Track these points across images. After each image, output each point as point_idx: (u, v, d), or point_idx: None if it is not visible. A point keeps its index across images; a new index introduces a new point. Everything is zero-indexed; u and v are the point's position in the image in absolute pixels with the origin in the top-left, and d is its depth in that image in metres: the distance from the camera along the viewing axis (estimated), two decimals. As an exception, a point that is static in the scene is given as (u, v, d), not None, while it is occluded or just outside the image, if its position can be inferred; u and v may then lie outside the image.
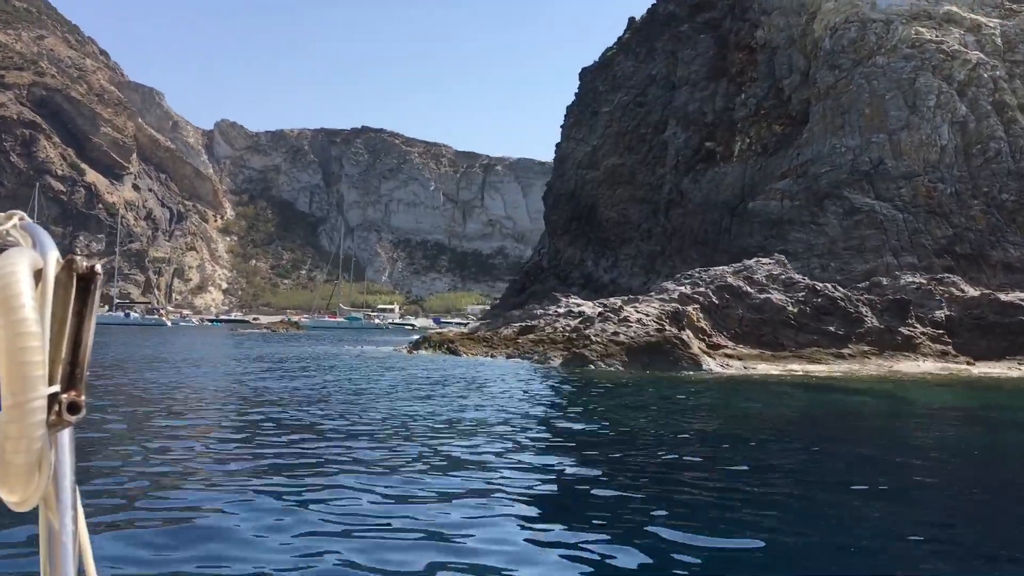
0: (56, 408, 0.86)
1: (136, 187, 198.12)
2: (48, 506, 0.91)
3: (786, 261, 40.60)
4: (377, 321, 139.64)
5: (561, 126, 77.16)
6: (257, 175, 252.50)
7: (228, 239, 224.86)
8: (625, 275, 66.53)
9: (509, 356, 36.76)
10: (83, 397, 0.89)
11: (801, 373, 31.22)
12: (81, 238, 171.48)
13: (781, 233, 46.81)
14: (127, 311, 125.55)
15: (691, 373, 30.55)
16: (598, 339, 34.21)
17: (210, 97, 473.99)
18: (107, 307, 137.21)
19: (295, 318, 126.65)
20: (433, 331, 50.67)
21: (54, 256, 0.90)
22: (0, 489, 0.86)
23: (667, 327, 33.20)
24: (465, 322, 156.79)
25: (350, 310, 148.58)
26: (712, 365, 31.41)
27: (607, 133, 69.78)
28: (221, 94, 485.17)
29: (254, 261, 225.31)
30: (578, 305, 43.70)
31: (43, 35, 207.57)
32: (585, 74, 76.62)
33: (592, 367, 32.31)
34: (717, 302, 37.98)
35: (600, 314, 37.29)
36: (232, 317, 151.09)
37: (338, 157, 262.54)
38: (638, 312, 37.60)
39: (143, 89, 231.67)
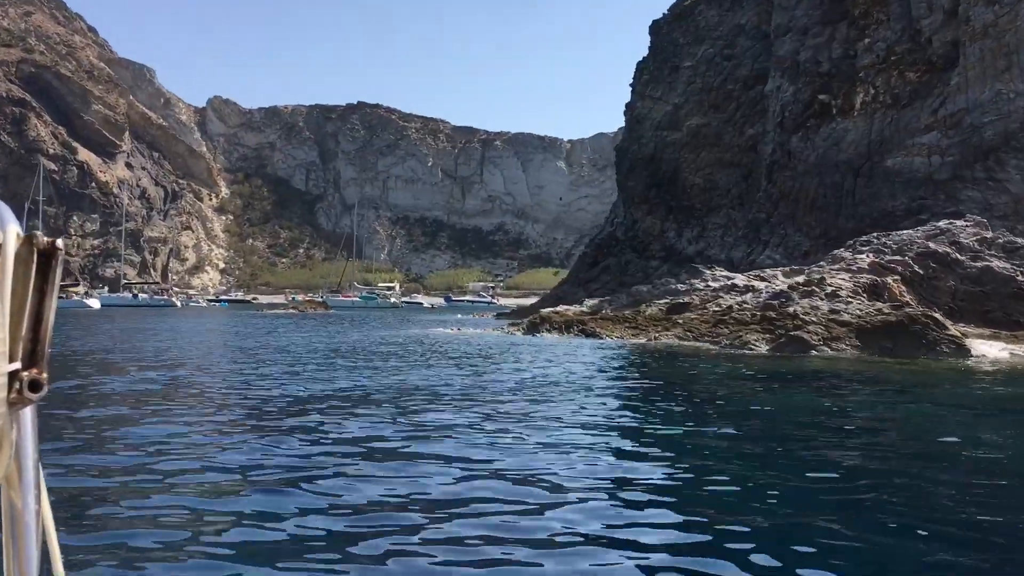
0: (17, 386, 0.83)
1: (129, 165, 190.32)
2: (10, 485, 0.89)
3: (987, 223, 34.54)
4: (393, 300, 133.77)
5: (631, 84, 70.17)
6: (252, 153, 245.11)
7: (224, 218, 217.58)
8: (715, 246, 60.34)
9: (682, 339, 30.58)
10: (45, 375, 0.85)
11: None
12: (75, 218, 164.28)
13: (949, 192, 40.72)
14: (135, 292, 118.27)
15: (960, 361, 24.39)
16: (811, 318, 28.08)
17: (202, 74, 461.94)
18: (107, 288, 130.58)
19: (308, 296, 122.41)
20: (548, 310, 44.53)
21: (14, 230, 0.86)
22: None
23: (911, 304, 27.09)
24: (485, 299, 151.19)
25: (363, 289, 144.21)
26: (987, 351, 25.13)
27: (689, 90, 63.27)
28: (213, 71, 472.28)
29: (251, 240, 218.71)
30: (729, 278, 37.63)
31: (30, 11, 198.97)
32: (658, 27, 69.58)
33: (814, 352, 26.26)
34: (921, 272, 31.92)
35: (795, 287, 31.13)
36: (233, 297, 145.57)
37: (334, 133, 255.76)
38: (828, 285, 31.56)
39: (133, 66, 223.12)
